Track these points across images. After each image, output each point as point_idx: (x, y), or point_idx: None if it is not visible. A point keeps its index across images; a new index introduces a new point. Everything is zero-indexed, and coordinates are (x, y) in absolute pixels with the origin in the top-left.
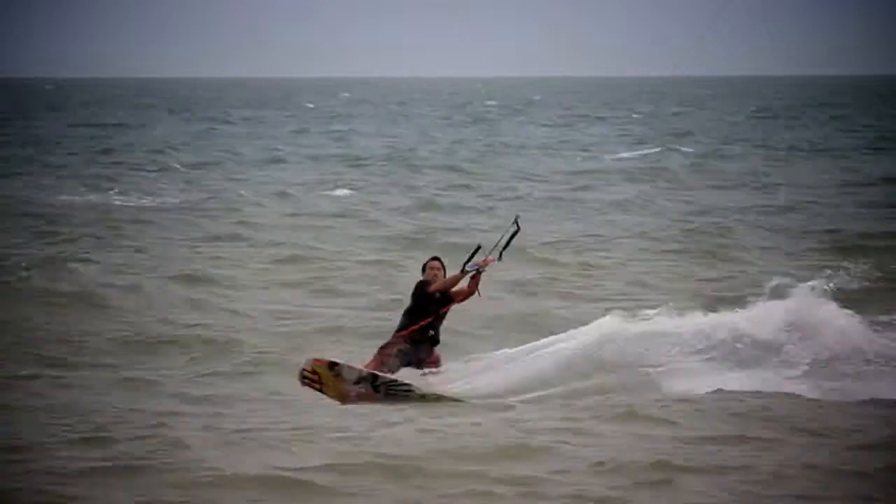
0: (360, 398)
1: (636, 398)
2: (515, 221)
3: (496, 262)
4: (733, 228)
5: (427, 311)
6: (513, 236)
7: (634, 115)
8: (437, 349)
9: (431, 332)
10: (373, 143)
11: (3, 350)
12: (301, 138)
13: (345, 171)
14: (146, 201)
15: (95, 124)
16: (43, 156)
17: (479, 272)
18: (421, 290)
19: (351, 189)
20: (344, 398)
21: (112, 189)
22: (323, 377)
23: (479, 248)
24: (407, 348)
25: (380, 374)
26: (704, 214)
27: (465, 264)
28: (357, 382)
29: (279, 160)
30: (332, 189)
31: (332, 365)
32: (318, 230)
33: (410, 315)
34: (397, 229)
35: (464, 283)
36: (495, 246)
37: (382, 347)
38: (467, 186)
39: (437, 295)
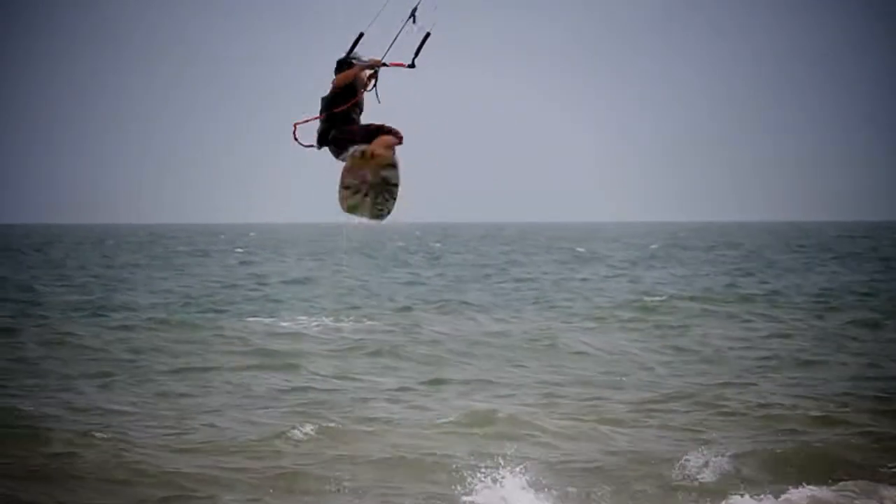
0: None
1: None
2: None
3: (407, 68)
4: None
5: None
6: (424, 40)
7: None
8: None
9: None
10: None
11: None
12: None
13: None
14: None
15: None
16: None
17: (380, 66)
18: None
19: None
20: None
21: None
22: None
23: (361, 35)
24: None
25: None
26: None
27: (347, 54)
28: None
29: None
30: None
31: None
32: None
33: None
34: None
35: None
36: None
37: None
38: None
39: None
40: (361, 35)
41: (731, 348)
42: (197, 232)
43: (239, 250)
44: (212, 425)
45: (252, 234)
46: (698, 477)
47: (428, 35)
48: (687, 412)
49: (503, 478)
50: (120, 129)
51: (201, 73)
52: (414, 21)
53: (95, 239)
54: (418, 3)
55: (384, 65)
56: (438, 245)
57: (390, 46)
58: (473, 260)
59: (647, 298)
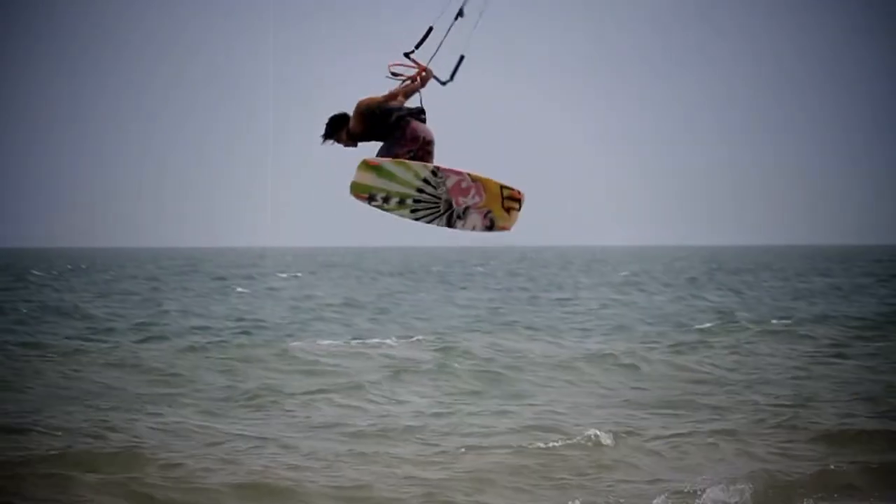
0: None
1: None
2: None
3: (444, 83)
4: None
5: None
6: (459, 61)
7: None
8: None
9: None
10: None
11: None
12: None
13: None
14: None
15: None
16: None
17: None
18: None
19: None
20: None
21: None
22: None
23: (430, 29)
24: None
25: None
26: None
27: (415, 48)
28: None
29: None
30: None
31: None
32: None
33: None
34: None
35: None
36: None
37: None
38: None
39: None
40: (431, 29)
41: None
42: (217, 254)
43: (282, 274)
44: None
45: (289, 257)
46: None
47: (462, 58)
48: None
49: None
50: (120, 128)
51: (201, 74)
52: (461, 15)
53: (137, 261)
54: (465, 1)
55: (422, 79)
56: (481, 269)
57: (438, 47)
58: (543, 282)
59: (774, 321)
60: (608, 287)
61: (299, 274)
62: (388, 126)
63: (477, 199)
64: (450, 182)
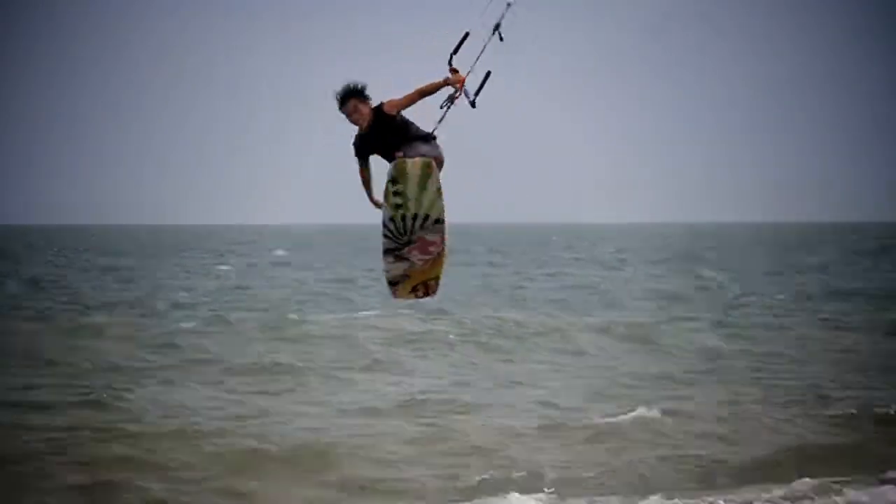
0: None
1: None
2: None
3: (469, 104)
4: None
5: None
6: (485, 80)
7: None
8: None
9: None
10: None
11: None
12: None
13: None
14: None
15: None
16: None
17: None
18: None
19: None
20: None
21: None
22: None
23: (467, 35)
24: None
25: None
26: None
27: (451, 55)
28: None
29: None
30: None
31: None
32: None
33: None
34: None
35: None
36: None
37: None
38: None
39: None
40: (467, 35)
41: None
42: (215, 233)
43: (280, 252)
44: None
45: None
46: None
47: (489, 74)
48: None
49: None
50: (120, 129)
51: (201, 73)
52: (500, 38)
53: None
54: (502, 18)
55: (455, 92)
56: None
57: (475, 62)
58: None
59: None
60: (599, 265)
61: (289, 251)
62: (399, 138)
63: (420, 264)
64: (429, 236)
